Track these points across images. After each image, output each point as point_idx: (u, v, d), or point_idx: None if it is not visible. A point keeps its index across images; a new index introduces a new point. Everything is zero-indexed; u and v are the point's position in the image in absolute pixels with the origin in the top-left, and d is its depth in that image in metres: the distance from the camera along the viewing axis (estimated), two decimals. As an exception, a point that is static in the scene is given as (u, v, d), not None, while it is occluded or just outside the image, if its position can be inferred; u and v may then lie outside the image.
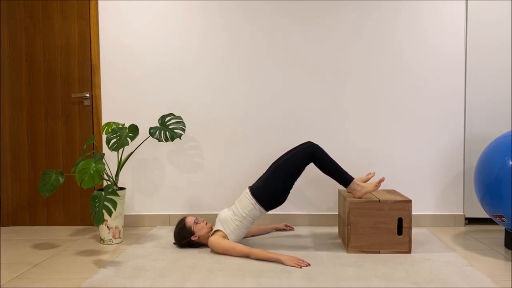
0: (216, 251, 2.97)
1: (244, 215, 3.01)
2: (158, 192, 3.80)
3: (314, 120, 3.71)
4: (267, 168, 3.25)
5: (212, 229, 3.13)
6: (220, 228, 3.04)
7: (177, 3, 3.72)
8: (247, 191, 3.07)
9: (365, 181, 3.12)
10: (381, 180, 3.04)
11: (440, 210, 3.71)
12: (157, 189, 3.80)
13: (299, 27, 3.68)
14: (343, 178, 3.03)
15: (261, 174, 3.21)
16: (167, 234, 3.49)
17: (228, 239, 3.01)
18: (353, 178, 3.03)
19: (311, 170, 3.14)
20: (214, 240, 2.98)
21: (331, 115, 3.71)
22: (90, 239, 3.46)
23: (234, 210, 3.06)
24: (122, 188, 3.44)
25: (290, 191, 3.08)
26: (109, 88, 3.77)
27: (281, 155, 3.29)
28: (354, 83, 3.69)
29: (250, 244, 3.07)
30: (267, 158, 3.70)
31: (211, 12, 3.71)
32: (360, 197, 3.02)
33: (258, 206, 3.01)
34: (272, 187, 3.02)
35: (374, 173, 3.18)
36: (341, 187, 3.47)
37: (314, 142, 3.12)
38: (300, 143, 3.55)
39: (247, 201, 3.03)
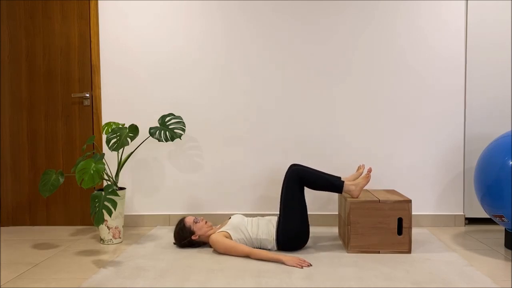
0: (217, 249, 2.97)
1: (257, 237, 2.99)
2: (158, 192, 3.80)
3: (314, 120, 3.71)
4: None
5: (211, 228, 3.13)
6: (228, 231, 3.01)
7: (177, 4, 3.72)
8: (274, 223, 3.02)
9: (358, 176, 3.14)
10: (369, 171, 3.08)
11: (440, 210, 3.71)
12: (157, 189, 3.80)
13: (299, 27, 3.68)
14: (334, 186, 3.02)
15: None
16: (167, 234, 3.49)
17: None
18: (343, 182, 3.02)
19: (311, 170, 3.15)
20: (216, 238, 2.97)
21: (331, 115, 3.71)
22: (90, 239, 3.46)
23: (251, 225, 3.03)
24: (122, 188, 3.44)
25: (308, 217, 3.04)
26: (109, 88, 3.77)
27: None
28: (354, 83, 3.69)
29: (250, 244, 3.07)
30: (267, 158, 3.70)
31: (211, 12, 3.71)
32: (358, 196, 3.02)
33: (274, 243, 2.98)
34: (287, 234, 2.97)
35: (363, 165, 3.20)
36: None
37: (296, 165, 3.10)
38: (300, 143, 3.56)
39: (267, 231, 2.99)
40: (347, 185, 3.02)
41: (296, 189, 3.00)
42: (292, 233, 2.98)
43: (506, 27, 3.61)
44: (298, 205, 3.00)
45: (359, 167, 3.26)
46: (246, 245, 2.99)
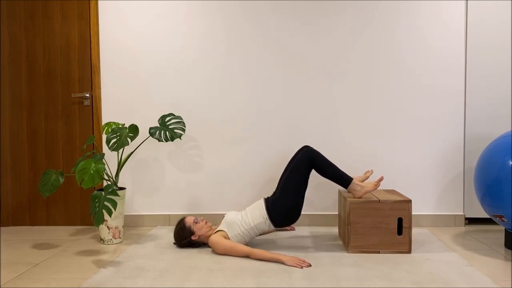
0: (216, 251, 2.97)
1: (252, 225, 3.00)
2: (158, 192, 3.80)
3: (314, 120, 3.71)
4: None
5: (211, 228, 3.13)
6: (224, 229, 3.02)
7: (178, 4, 3.72)
8: (262, 203, 3.04)
9: (364, 180, 3.12)
10: (380, 179, 3.05)
11: (440, 210, 3.71)
12: (157, 189, 3.80)
13: (299, 27, 3.68)
14: (342, 179, 3.02)
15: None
16: (167, 234, 3.49)
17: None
18: (352, 179, 3.02)
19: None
20: (215, 239, 2.97)
21: (331, 116, 3.71)
22: (90, 239, 3.46)
23: (244, 217, 3.04)
24: (122, 188, 3.44)
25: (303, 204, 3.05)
26: (109, 88, 3.77)
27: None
28: (354, 83, 3.69)
29: (250, 244, 3.07)
30: (267, 157, 3.70)
31: (211, 12, 3.71)
32: (360, 197, 3.02)
33: (268, 222, 2.99)
34: (283, 207, 2.99)
35: (372, 171, 3.19)
36: (341, 187, 3.47)
37: (310, 147, 3.11)
38: (300, 143, 3.56)
39: (259, 213, 3.00)
40: (354, 183, 3.02)
41: (304, 169, 3.00)
42: (288, 207, 2.99)
43: (506, 27, 3.61)
44: (303, 183, 3.01)
45: (367, 171, 3.24)
46: (245, 239, 3.01)
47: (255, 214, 3.01)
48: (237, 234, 3.00)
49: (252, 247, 2.95)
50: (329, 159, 3.66)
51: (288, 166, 3.12)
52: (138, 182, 3.80)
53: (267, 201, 3.04)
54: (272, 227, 3.01)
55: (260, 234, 3.10)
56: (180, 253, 3.03)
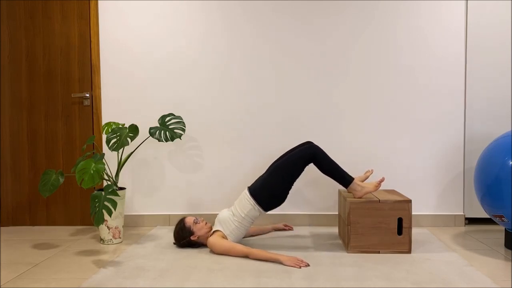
0: (215, 252, 2.97)
1: (243, 215, 3.01)
2: (158, 192, 3.80)
3: (314, 120, 3.71)
4: (267, 167, 3.26)
5: (211, 229, 3.13)
6: (219, 229, 3.04)
7: (177, 4, 3.72)
8: (246, 191, 3.06)
9: (364, 179, 3.12)
10: (381, 180, 3.04)
11: (440, 210, 3.71)
12: (157, 189, 3.80)
13: (299, 27, 3.68)
14: (343, 178, 3.02)
15: (260, 174, 3.21)
16: (167, 234, 3.49)
17: (227, 240, 3.00)
18: (353, 178, 3.02)
19: (311, 170, 3.14)
20: (213, 240, 2.98)
21: (331, 116, 3.71)
22: (90, 239, 3.46)
23: (234, 211, 3.06)
24: (122, 188, 3.44)
25: (290, 192, 3.07)
26: (109, 88, 3.77)
27: (281, 155, 3.29)
28: (354, 83, 3.69)
29: (249, 244, 3.08)
30: (266, 158, 3.70)
31: (211, 12, 3.71)
32: (360, 197, 3.02)
33: (257, 207, 3.00)
34: (271, 187, 3.01)
35: (372, 170, 3.19)
36: (341, 187, 3.47)
37: (314, 143, 3.12)
38: (300, 142, 3.55)
39: (246, 202, 3.02)
40: (355, 183, 3.01)
41: (302, 162, 3.00)
42: (274, 188, 3.00)
43: (506, 27, 3.61)
44: (296, 173, 3.02)
45: (367, 171, 3.24)
46: (242, 231, 3.03)
47: (243, 204, 3.03)
48: (232, 230, 3.01)
49: (252, 247, 2.95)
50: (329, 159, 3.66)
51: (284, 155, 3.14)
52: (138, 182, 3.80)
53: (250, 188, 3.06)
54: (262, 211, 3.02)
55: (258, 234, 3.09)
56: (180, 253, 3.03)
